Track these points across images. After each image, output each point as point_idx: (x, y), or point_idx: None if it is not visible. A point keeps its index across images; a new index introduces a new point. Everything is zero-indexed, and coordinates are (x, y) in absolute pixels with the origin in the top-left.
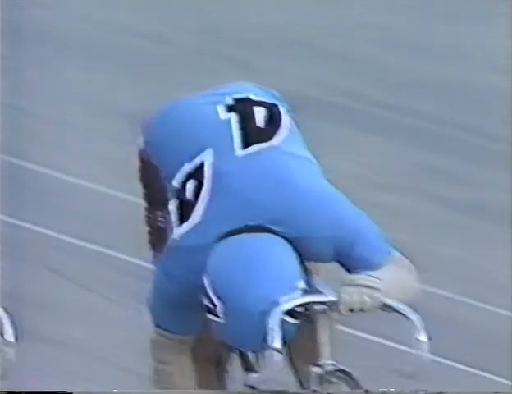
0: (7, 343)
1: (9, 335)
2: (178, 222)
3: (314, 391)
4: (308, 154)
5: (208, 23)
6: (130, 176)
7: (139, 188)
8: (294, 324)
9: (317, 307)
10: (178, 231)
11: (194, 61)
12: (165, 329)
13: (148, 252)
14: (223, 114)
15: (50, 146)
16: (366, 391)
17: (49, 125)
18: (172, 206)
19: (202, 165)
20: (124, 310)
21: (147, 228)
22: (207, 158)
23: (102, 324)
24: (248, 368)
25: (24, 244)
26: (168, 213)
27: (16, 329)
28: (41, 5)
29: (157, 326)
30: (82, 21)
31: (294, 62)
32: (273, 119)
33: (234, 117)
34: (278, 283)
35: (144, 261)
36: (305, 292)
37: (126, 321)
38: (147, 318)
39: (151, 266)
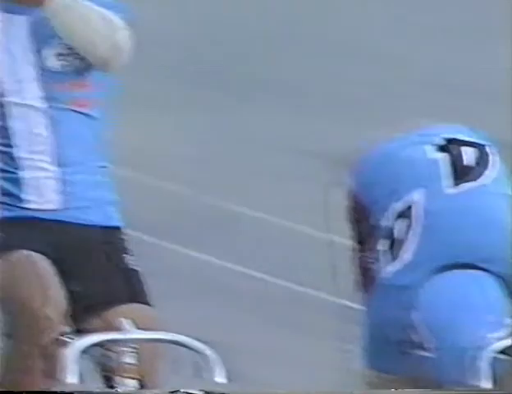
0: (219, 385)
1: (221, 376)
2: (389, 261)
3: None
4: None
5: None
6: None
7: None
8: (505, 361)
9: None
10: (389, 270)
11: (375, 98)
12: (378, 369)
13: (350, 291)
14: (432, 153)
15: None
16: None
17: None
18: (382, 245)
19: (411, 204)
20: (329, 352)
21: (355, 268)
22: (416, 196)
23: (306, 367)
24: None
25: (235, 289)
26: (377, 252)
27: (227, 370)
28: None
29: (370, 366)
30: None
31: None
32: (482, 159)
33: (443, 157)
34: (488, 320)
35: (347, 301)
36: None
37: (333, 363)
38: (355, 360)
39: (356, 306)
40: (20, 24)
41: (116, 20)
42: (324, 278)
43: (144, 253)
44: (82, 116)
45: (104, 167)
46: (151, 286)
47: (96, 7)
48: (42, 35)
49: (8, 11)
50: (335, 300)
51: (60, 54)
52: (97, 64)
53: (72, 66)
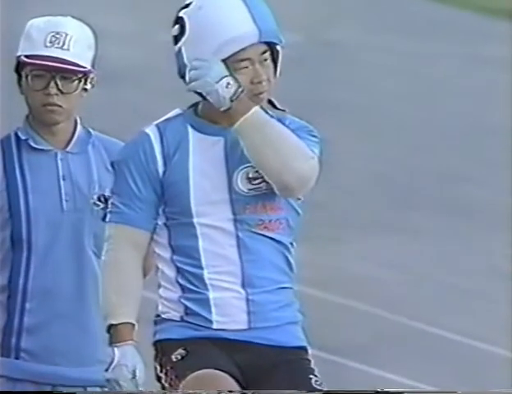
0: None
1: None
2: None
3: None
4: None
5: None
6: None
7: None
8: None
9: None
10: None
11: None
12: None
13: None
14: None
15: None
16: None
17: None
18: None
19: None
20: None
21: None
22: None
23: None
24: None
25: None
26: None
27: None
28: None
29: None
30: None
31: None
32: None
33: None
34: None
35: None
36: None
37: None
38: None
39: None
40: (215, 145)
41: (307, 150)
42: None
43: (328, 372)
44: (269, 239)
45: (290, 288)
46: None
47: (288, 133)
48: (236, 157)
49: (203, 131)
50: None
51: (252, 177)
52: (280, 191)
53: (262, 189)
